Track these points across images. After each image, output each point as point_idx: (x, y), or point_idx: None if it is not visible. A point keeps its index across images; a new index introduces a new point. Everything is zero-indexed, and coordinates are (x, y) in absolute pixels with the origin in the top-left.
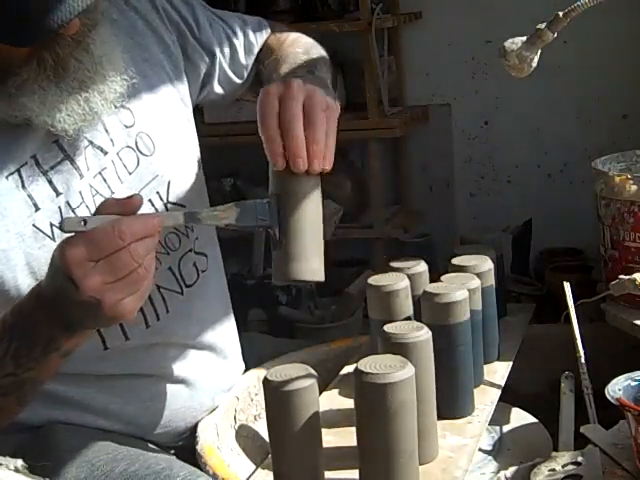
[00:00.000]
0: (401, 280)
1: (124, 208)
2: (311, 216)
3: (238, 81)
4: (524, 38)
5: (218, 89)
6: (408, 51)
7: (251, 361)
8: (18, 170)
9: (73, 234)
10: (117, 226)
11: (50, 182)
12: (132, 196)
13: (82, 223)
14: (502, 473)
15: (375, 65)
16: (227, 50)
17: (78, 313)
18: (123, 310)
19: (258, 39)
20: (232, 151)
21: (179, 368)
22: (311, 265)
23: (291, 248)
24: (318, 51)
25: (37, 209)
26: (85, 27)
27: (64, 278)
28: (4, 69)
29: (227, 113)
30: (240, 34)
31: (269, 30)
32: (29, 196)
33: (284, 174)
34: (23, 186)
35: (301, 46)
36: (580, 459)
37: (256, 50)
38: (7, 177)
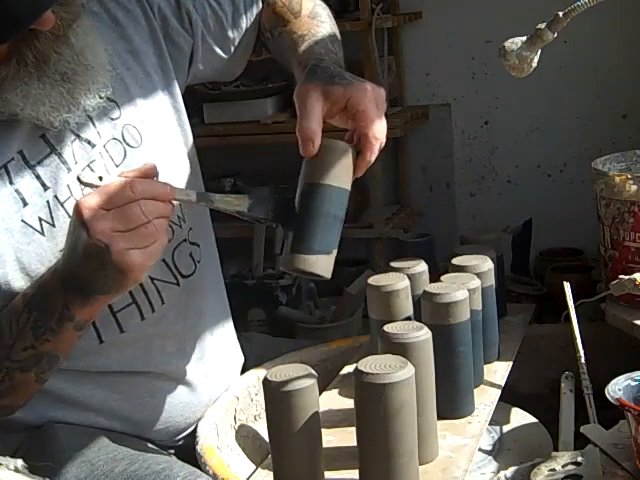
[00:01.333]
0: (401, 280)
1: (139, 174)
2: (339, 211)
3: (225, 56)
4: (524, 38)
5: (203, 66)
6: (408, 51)
7: (251, 361)
8: (5, 166)
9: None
10: (130, 181)
11: (37, 177)
12: (148, 164)
13: (98, 179)
14: (502, 473)
15: (375, 65)
16: (212, 25)
17: (88, 262)
18: (130, 261)
19: (248, 13)
20: (232, 151)
21: (177, 364)
22: (320, 259)
23: (305, 237)
24: (334, 29)
25: (25, 204)
26: (63, 21)
27: (77, 224)
28: None
29: (227, 113)
30: (227, 6)
31: (261, 5)
32: (16, 191)
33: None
34: (10, 182)
35: (322, 23)
36: (580, 459)
37: (244, 24)
38: None
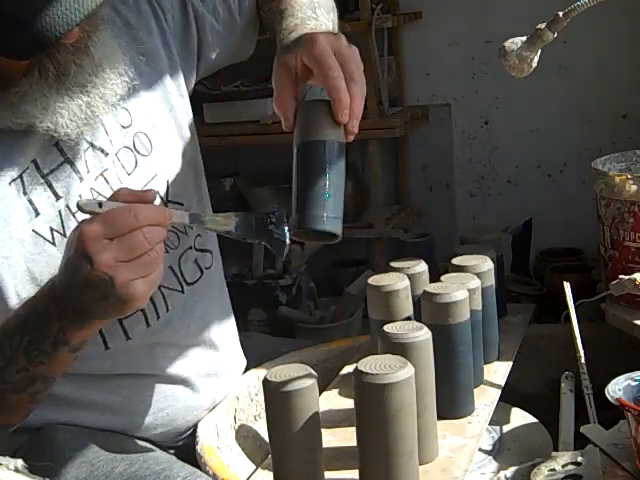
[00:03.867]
0: (401, 280)
1: (138, 200)
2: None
3: (235, 39)
4: (524, 38)
5: (215, 56)
6: (408, 51)
7: (251, 361)
8: (20, 176)
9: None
10: (133, 208)
11: (50, 186)
12: (148, 190)
13: (98, 205)
14: (502, 473)
15: (375, 65)
16: (222, 11)
17: (89, 293)
18: (134, 292)
19: None
20: (232, 151)
21: (180, 368)
22: (330, 216)
23: (312, 195)
24: None
25: (37, 214)
26: (85, 33)
27: (79, 254)
28: (6, 79)
29: (227, 113)
30: None
31: None
32: (29, 201)
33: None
34: (24, 192)
35: None
36: (580, 459)
37: (247, 3)
38: (10, 183)
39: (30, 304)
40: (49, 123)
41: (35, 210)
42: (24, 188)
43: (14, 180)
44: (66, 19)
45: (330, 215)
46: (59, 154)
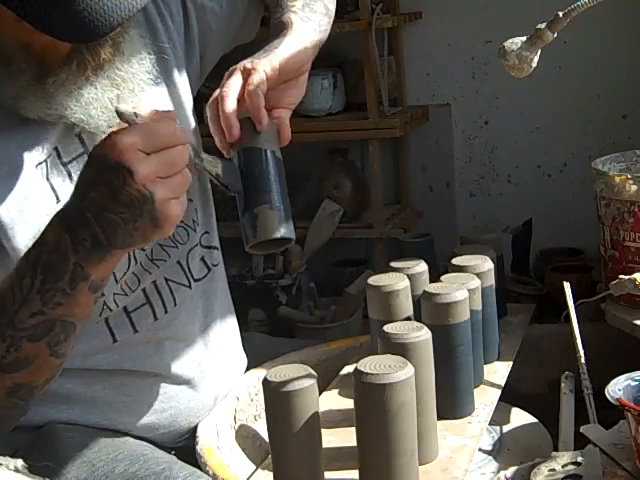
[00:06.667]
0: (401, 280)
1: (163, 119)
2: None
3: (238, 23)
4: (524, 38)
5: (218, 44)
6: (408, 51)
7: (251, 361)
8: (45, 161)
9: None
10: (173, 123)
11: (69, 175)
12: (170, 111)
13: (134, 115)
14: (502, 473)
15: (375, 65)
16: (225, 2)
17: (120, 211)
18: (171, 212)
19: None
20: None
21: (185, 366)
22: (283, 224)
23: (261, 208)
24: None
25: (58, 201)
26: (122, 27)
27: (114, 167)
28: (44, 69)
29: None
30: None
31: None
32: (51, 187)
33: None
34: (47, 177)
35: None
36: (580, 459)
37: None
38: (36, 167)
39: (40, 241)
40: (81, 115)
41: (57, 197)
42: (47, 174)
43: (40, 164)
44: (128, 5)
45: (282, 222)
46: (80, 144)
